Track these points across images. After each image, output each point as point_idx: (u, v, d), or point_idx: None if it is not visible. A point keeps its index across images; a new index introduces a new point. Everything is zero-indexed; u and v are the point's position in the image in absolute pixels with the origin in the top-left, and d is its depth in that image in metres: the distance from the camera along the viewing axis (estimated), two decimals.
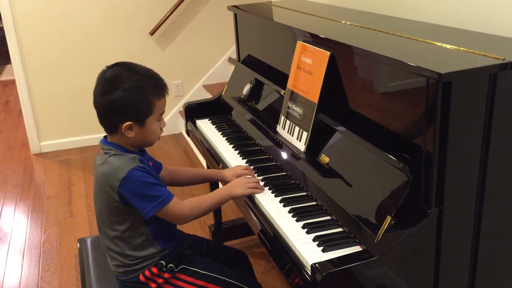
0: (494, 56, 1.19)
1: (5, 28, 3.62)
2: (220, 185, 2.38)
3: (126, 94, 1.37)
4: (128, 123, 1.40)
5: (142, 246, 1.47)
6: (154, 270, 1.48)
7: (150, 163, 1.52)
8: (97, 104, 1.43)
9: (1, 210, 3.08)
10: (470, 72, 1.14)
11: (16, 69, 3.72)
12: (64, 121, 3.90)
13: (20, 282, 2.38)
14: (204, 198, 1.54)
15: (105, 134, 1.49)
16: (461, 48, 1.30)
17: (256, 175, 1.71)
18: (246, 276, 1.66)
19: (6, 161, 3.79)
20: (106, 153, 1.44)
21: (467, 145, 1.19)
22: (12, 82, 5.11)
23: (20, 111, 3.93)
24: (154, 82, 1.44)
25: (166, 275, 1.49)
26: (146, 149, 1.55)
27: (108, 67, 1.44)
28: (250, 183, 1.59)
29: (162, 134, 1.51)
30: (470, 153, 1.20)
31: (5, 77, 6.23)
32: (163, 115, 1.48)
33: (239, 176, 1.67)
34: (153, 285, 1.49)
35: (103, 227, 1.49)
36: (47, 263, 2.51)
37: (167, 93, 1.47)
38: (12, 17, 3.59)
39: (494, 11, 1.58)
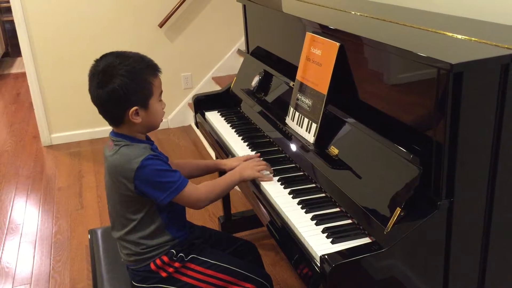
0: (506, 46, 1.18)
1: (15, 21, 3.64)
2: None
3: (125, 80, 1.37)
4: (134, 108, 1.40)
5: (153, 234, 1.48)
6: (165, 259, 1.49)
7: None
8: (97, 99, 1.41)
9: (13, 202, 3.11)
10: (481, 63, 1.12)
11: (27, 61, 3.74)
12: (74, 114, 3.93)
13: (32, 273, 2.41)
14: (218, 182, 1.56)
15: None
16: (473, 38, 1.29)
17: None
18: (255, 266, 1.67)
19: (18, 153, 3.82)
20: (116, 145, 1.44)
21: (478, 137, 1.18)
22: (23, 74, 5.15)
23: (31, 103, 3.96)
24: (146, 63, 1.44)
25: (177, 264, 1.50)
26: (155, 141, 1.56)
27: (97, 60, 1.43)
28: (260, 166, 1.61)
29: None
30: (481, 144, 1.18)
31: (16, 69, 6.28)
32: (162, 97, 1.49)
33: (238, 162, 1.71)
34: (163, 274, 1.50)
35: (117, 217, 1.51)
36: (58, 254, 2.54)
37: (160, 72, 1.47)
38: (22, 10, 3.61)
39: (506, 1, 1.56)
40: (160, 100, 1.47)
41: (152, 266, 1.49)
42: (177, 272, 1.51)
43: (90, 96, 1.44)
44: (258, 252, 1.80)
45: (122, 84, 1.37)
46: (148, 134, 1.54)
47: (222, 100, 2.32)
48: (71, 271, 2.40)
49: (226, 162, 1.76)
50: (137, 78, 1.39)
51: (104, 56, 1.43)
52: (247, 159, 1.73)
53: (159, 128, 1.55)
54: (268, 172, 1.63)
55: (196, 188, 1.48)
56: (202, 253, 1.54)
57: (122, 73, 1.37)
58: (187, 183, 1.45)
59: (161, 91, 1.47)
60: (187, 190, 1.44)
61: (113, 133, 1.49)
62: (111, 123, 1.47)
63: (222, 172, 2.34)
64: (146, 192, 1.41)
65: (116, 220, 1.52)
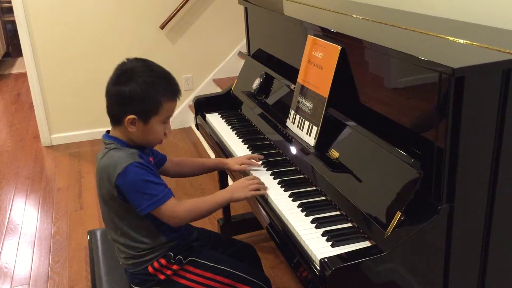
0: (508, 51, 1.18)
1: (17, 21, 3.64)
2: (230, 180, 2.39)
3: (137, 88, 1.38)
4: (132, 116, 1.40)
5: (147, 238, 1.47)
6: (163, 261, 1.49)
7: (151, 159, 1.52)
8: (108, 93, 1.44)
9: (12, 202, 3.11)
10: (483, 67, 1.12)
11: (28, 62, 3.74)
12: (74, 114, 3.92)
13: (31, 273, 2.41)
14: (204, 201, 1.50)
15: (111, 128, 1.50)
16: (474, 43, 1.29)
17: (265, 169, 1.71)
18: (254, 269, 1.66)
19: (18, 153, 3.82)
20: (106, 148, 1.45)
21: (479, 141, 1.18)
22: (24, 75, 5.15)
23: (31, 103, 3.96)
24: (168, 84, 1.44)
25: (175, 267, 1.50)
26: None
27: (128, 60, 1.45)
28: (253, 185, 1.56)
29: (172, 128, 1.51)
30: (482, 149, 1.18)
31: (16, 70, 6.28)
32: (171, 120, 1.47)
33: (241, 163, 1.72)
34: (161, 276, 1.49)
35: (108, 220, 1.50)
36: (57, 255, 2.54)
37: (179, 98, 1.47)
38: (23, 11, 3.61)
39: (508, 5, 1.56)
40: (165, 123, 1.45)
41: (150, 269, 1.48)
42: (175, 275, 1.50)
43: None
44: (258, 255, 1.80)
45: (132, 90, 1.38)
46: None
47: (223, 102, 2.33)
48: (69, 272, 2.39)
49: (228, 162, 1.76)
50: (148, 92, 1.39)
51: (136, 59, 1.45)
52: (249, 157, 1.74)
53: None
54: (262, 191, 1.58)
55: (177, 205, 1.42)
56: (201, 256, 1.54)
57: (138, 80, 1.38)
58: (168, 199, 1.40)
59: (169, 116, 1.46)
60: (166, 206, 1.40)
61: (105, 135, 1.49)
62: (111, 120, 1.47)
63: (222, 172, 2.36)
64: (127, 197, 1.40)
65: (108, 223, 1.51)
